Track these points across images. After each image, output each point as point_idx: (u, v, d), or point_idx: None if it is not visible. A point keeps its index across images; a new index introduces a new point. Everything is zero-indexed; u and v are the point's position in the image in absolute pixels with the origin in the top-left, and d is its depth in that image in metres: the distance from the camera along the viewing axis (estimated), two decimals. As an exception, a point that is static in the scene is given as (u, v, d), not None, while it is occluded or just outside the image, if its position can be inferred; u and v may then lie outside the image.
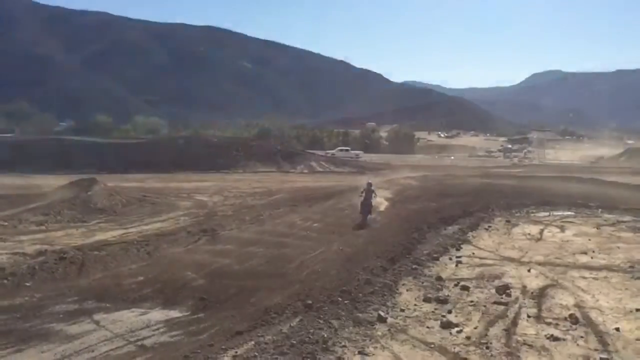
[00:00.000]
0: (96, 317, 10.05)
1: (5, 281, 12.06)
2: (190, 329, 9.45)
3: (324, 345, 7.68)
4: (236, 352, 7.66)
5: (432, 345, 8.16)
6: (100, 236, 17.75)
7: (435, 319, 9.35)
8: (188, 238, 17.61)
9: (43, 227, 19.59)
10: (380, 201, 23.58)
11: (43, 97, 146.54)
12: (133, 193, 28.85)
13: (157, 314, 10.31)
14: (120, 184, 31.17)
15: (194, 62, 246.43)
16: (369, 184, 20.56)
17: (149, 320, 9.94)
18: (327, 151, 75.42)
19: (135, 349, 8.43)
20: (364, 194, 20.09)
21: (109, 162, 48.66)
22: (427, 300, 10.43)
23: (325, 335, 8.02)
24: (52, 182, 32.81)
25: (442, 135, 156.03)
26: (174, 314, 10.43)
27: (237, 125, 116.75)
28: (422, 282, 11.66)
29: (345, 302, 9.84)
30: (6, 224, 19.40)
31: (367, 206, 19.88)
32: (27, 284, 12.20)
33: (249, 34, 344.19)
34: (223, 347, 7.98)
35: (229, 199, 28.95)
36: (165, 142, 61.01)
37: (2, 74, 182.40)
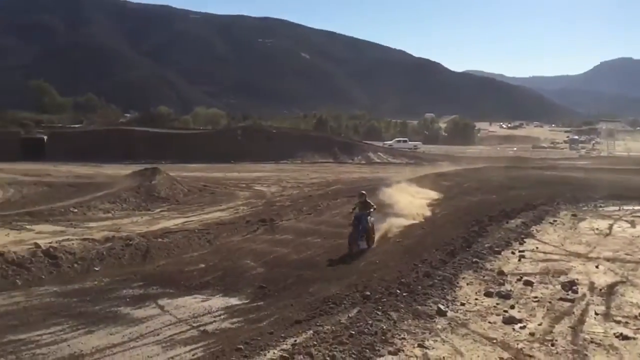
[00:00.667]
0: (160, 302, 10.36)
1: (76, 265, 12.62)
2: (250, 316, 9.60)
3: (383, 337, 7.63)
4: (295, 340, 7.71)
5: (495, 341, 7.96)
6: (163, 224, 18.30)
7: (497, 314, 9.12)
8: (247, 227, 17.90)
9: (110, 215, 20.38)
10: (432, 195, 23.06)
11: (109, 89, 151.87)
12: (194, 182, 29.58)
13: (218, 301, 10.53)
14: (181, 174, 32.02)
15: (253, 53, 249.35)
16: (362, 195, 15.54)
17: (210, 306, 10.17)
18: (385, 142, 74.99)
19: (197, 334, 8.64)
20: (356, 209, 15.09)
21: (171, 152, 50.09)
22: (488, 294, 10.19)
23: (384, 327, 7.96)
24: (117, 171, 34.11)
25: (504, 126, 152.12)
26: (234, 301, 10.62)
27: (295, 116, 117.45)
28: (483, 276, 11.40)
29: (404, 294, 9.73)
30: (76, 211, 20.27)
31: (359, 228, 14.55)
32: (96, 269, 12.73)
33: (307, 25, 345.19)
34: (282, 335, 8.06)
35: (286, 189, 29.25)
36: (224, 133, 62.19)
37: (72, 67, 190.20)
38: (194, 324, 9.14)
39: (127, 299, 10.51)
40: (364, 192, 15.97)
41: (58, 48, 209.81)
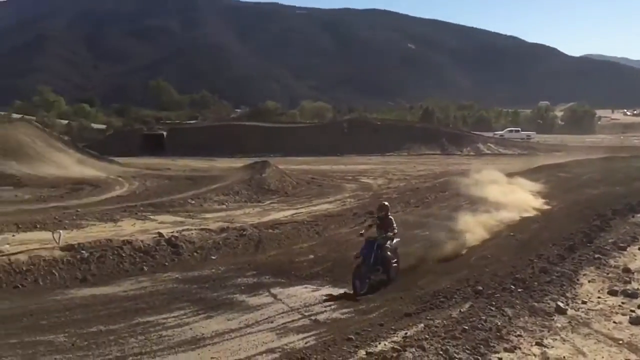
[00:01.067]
0: (273, 291, 10.73)
1: (195, 254, 13.39)
2: (359, 307, 9.69)
3: (498, 333, 7.37)
4: (406, 333, 7.67)
5: (620, 342, 7.44)
6: (273, 215, 18.90)
7: (623, 314, 8.51)
8: (354, 219, 18.01)
9: (224, 206, 21.37)
10: (547, 187, 21.72)
11: (222, 86, 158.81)
12: (301, 175, 30.25)
13: (328, 291, 10.72)
14: (289, 167, 32.86)
15: (358, 45, 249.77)
16: (383, 208, 11.91)
17: (320, 296, 10.38)
18: (495, 132, 72.27)
19: (309, 323, 8.87)
20: (373, 228, 11.74)
21: (279, 146, 51.52)
22: (612, 293, 9.53)
23: (499, 323, 7.70)
24: (229, 165, 35.66)
25: (629, 113, 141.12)
26: (343, 292, 10.76)
27: (401, 108, 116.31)
28: (607, 273, 10.68)
29: (519, 290, 9.35)
30: (193, 202, 21.46)
31: (372, 259, 10.89)
32: (213, 258, 13.42)
33: (413, 14, 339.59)
34: (393, 327, 8.05)
35: (393, 181, 29.13)
36: (330, 126, 62.87)
37: (188, 66, 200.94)
38: (306, 313, 9.38)
39: (242, 287, 10.99)
40: (385, 203, 12.27)
41: (175, 49, 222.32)
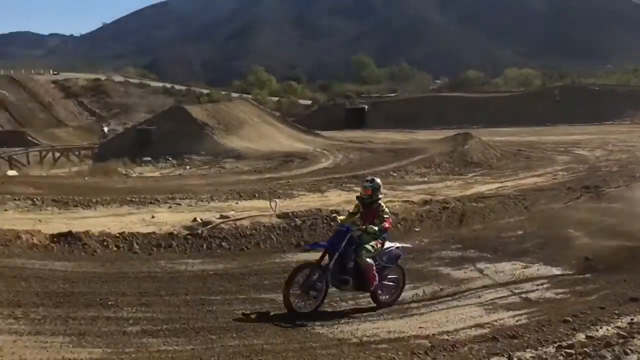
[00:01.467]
0: (479, 265, 10.47)
1: (399, 225, 13.60)
2: (576, 288, 9.02)
3: None
4: (632, 319, 7.04)
5: None
6: (476, 189, 18.44)
7: None
8: (568, 194, 16.80)
9: (425, 179, 21.39)
10: None
11: (421, 57, 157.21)
12: (506, 147, 28.98)
13: (539, 269, 10.17)
14: (493, 138, 31.66)
15: (570, 4, 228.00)
16: (371, 183, 7.95)
17: (531, 274, 9.89)
18: None
19: (519, 301, 8.48)
20: (356, 215, 8.05)
21: (481, 117, 49.78)
22: None
23: None
24: (430, 137, 35.48)
25: None
26: (557, 271, 10.14)
27: (622, 71, 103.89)
28: None
29: None
30: (395, 175, 21.84)
31: (335, 259, 7.52)
32: (416, 230, 13.53)
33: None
34: (616, 311, 7.44)
35: (613, 153, 26.49)
36: (538, 94, 58.86)
37: (387, 39, 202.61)
38: (515, 291, 8.99)
39: (447, 260, 10.92)
40: (376, 179, 8.12)
41: (376, 23, 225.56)
